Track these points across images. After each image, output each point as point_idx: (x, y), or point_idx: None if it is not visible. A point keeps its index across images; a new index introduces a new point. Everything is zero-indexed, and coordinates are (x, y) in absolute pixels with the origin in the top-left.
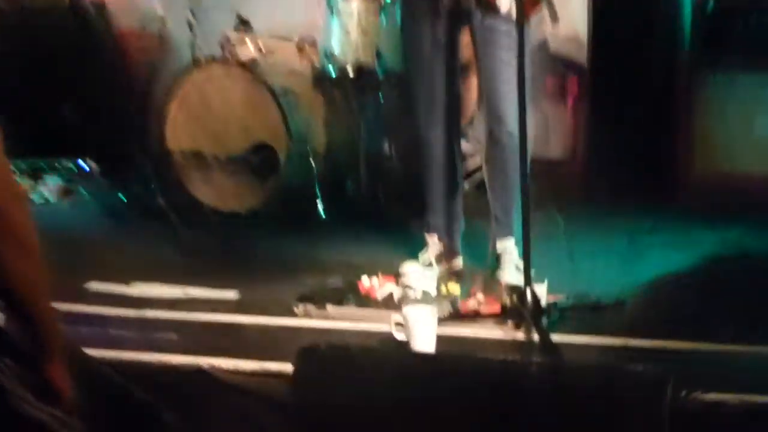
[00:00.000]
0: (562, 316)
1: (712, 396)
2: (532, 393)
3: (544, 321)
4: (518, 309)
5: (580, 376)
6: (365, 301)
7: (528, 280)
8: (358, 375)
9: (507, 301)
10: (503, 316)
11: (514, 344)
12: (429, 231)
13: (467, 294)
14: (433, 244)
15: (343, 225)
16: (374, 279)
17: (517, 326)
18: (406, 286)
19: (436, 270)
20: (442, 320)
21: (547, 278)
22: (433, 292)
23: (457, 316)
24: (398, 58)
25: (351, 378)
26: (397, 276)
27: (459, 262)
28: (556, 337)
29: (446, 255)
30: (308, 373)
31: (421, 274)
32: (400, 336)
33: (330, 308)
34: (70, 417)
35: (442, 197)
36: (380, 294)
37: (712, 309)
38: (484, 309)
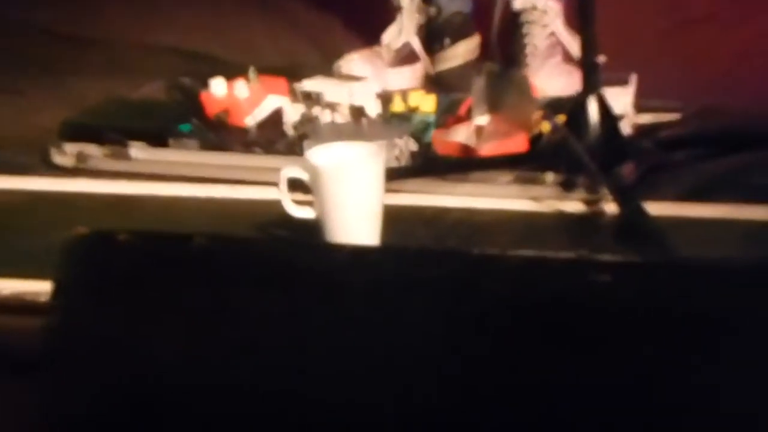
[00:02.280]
0: (666, 162)
1: None
2: (597, 331)
3: (627, 172)
4: (568, 145)
5: (710, 292)
6: (218, 133)
7: (592, 78)
8: (203, 303)
9: (543, 125)
10: (534, 161)
11: (559, 224)
12: None
13: (452, 112)
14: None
15: None
16: (240, 83)
17: (568, 185)
18: (309, 98)
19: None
20: (395, 174)
21: (634, 74)
22: (374, 110)
23: (430, 164)
24: None
25: (182, 307)
26: (294, 75)
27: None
28: (656, 208)
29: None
30: (86, 297)
31: (361, 69)
32: (301, 212)
33: (138, 152)
34: None
35: None
36: (254, 118)
37: None
38: (491, 146)
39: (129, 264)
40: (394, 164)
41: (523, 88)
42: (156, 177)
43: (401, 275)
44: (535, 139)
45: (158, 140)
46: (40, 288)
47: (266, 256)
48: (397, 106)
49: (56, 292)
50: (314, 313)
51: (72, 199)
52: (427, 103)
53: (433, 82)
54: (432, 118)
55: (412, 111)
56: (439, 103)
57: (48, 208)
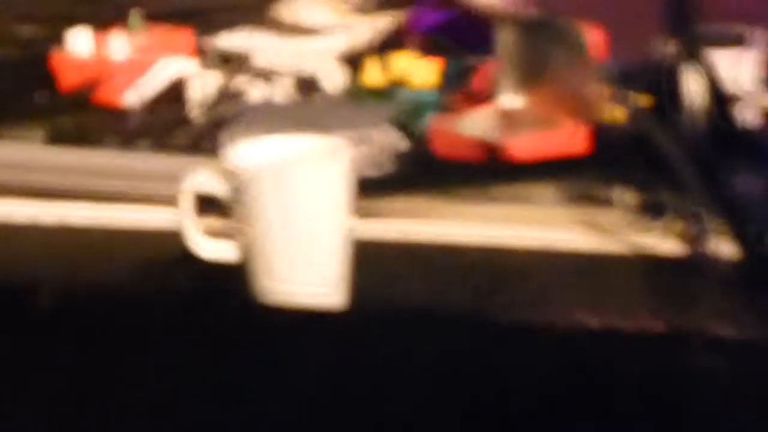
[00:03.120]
0: None
1: None
2: None
3: (750, 187)
4: (654, 143)
5: None
6: (79, 118)
7: (691, 34)
8: (52, 387)
9: (613, 109)
10: (598, 169)
11: (640, 272)
12: None
13: (463, 86)
14: None
15: None
16: (115, 37)
17: (653, 207)
18: (230, 61)
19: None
20: (370, 188)
21: (762, 29)
22: (335, 83)
23: (427, 172)
24: None
25: (20, 395)
26: (205, 24)
27: None
28: None
29: None
30: None
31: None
32: (214, 248)
33: None
34: None
35: None
36: (137, 93)
37: None
38: (526, 143)
39: None
40: (369, 172)
41: (576, 48)
42: None
43: (380, 355)
44: (600, 132)
45: None
46: None
47: (155, 321)
48: (373, 75)
49: None
50: (232, 408)
51: None
52: (421, 71)
53: (431, 39)
54: (431, 96)
55: (398, 84)
56: (440, 72)
57: None
